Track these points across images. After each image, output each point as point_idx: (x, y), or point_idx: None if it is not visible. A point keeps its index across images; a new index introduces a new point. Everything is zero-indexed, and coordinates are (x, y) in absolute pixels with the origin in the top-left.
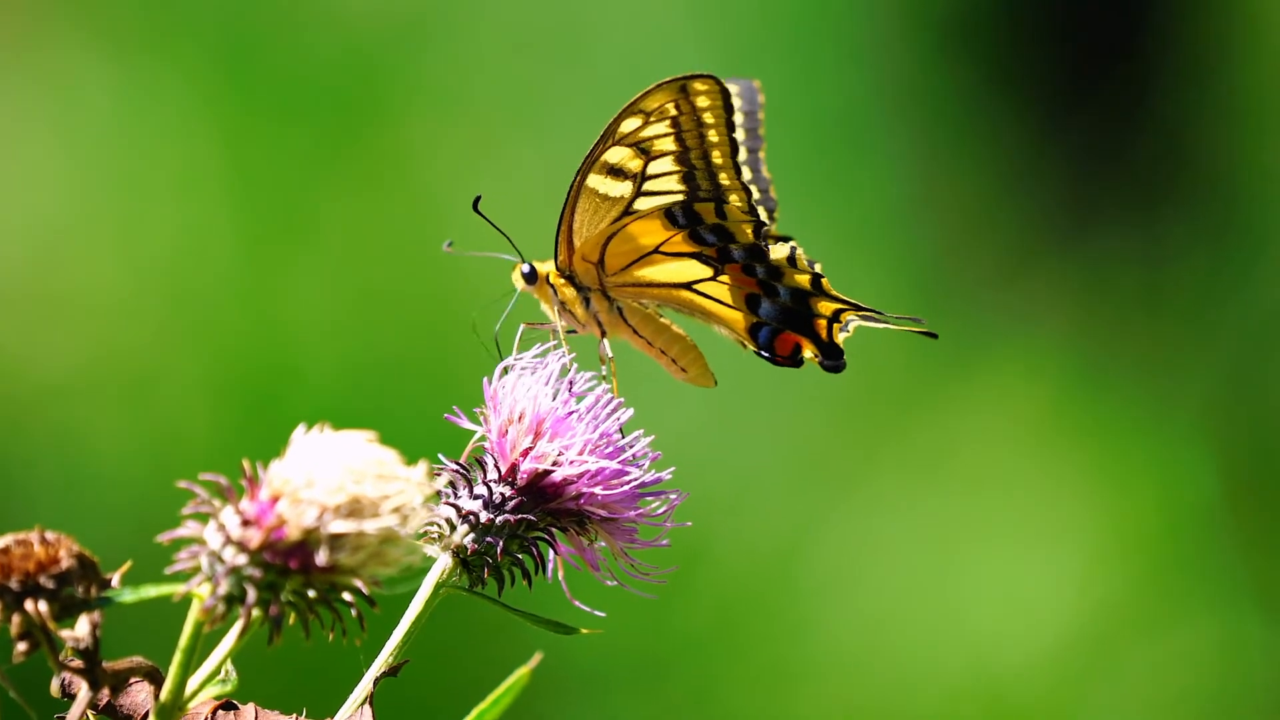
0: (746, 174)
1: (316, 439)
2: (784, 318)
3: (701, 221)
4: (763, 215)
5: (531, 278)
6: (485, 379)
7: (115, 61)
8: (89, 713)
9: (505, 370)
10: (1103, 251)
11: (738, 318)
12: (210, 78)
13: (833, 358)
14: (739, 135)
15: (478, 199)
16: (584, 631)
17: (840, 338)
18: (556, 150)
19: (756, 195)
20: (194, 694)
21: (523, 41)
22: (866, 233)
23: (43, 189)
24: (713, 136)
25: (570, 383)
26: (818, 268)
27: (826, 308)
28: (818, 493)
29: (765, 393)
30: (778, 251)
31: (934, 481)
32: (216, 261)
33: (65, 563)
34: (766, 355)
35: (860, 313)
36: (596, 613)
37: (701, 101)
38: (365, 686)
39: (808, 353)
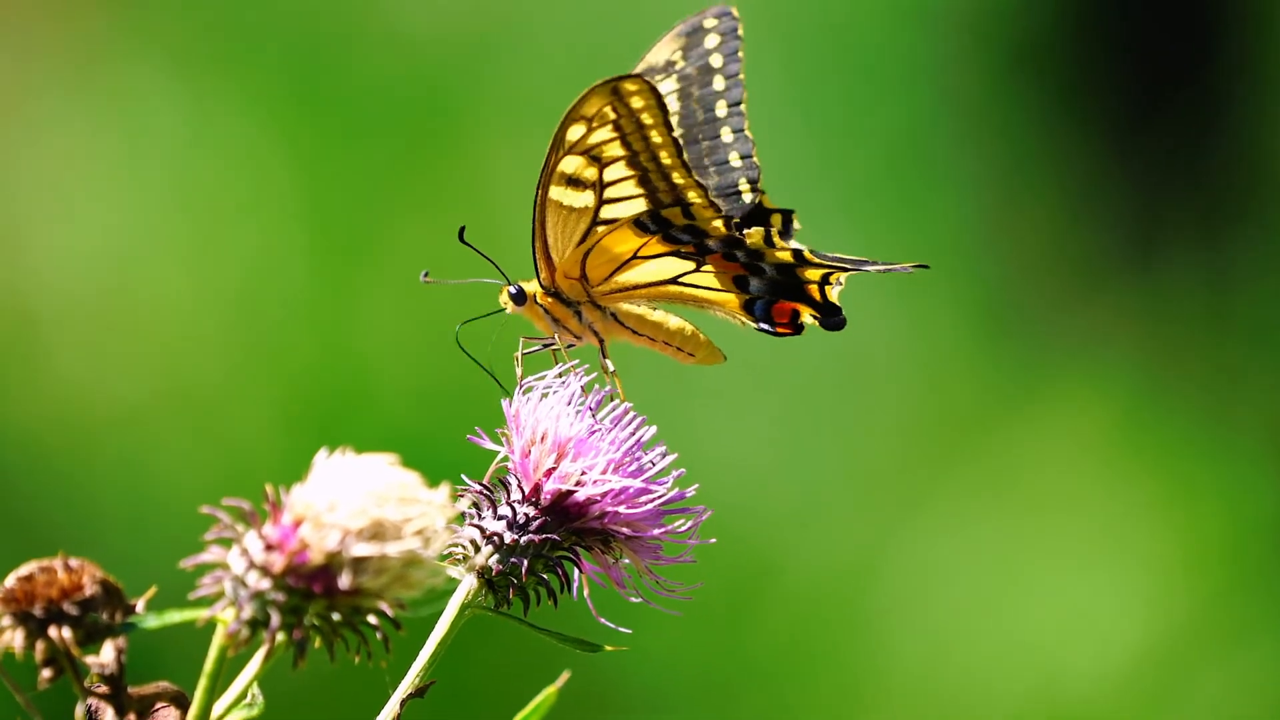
0: (728, 135)
1: (339, 463)
2: (775, 289)
3: (672, 225)
4: (745, 191)
5: (520, 299)
6: (505, 400)
7: (184, 82)
8: None
9: (526, 390)
10: (1170, 275)
11: (730, 299)
12: (279, 98)
13: (832, 315)
14: (679, 132)
15: (462, 229)
16: (609, 649)
17: (834, 294)
18: None
19: (738, 162)
20: (220, 718)
21: (591, 61)
22: (934, 254)
23: (111, 211)
24: (655, 137)
25: (593, 407)
26: (772, 217)
27: (814, 274)
28: (885, 513)
29: (832, 412)
30: (753, 236)
31: (1001, 503)
32: (286, 285)
33: (89, 589)
34: (767, 328)
35: (848, 270)
36: (621, 629)
37: (636, 102)
38: (392, 708)
39: (806, 317)
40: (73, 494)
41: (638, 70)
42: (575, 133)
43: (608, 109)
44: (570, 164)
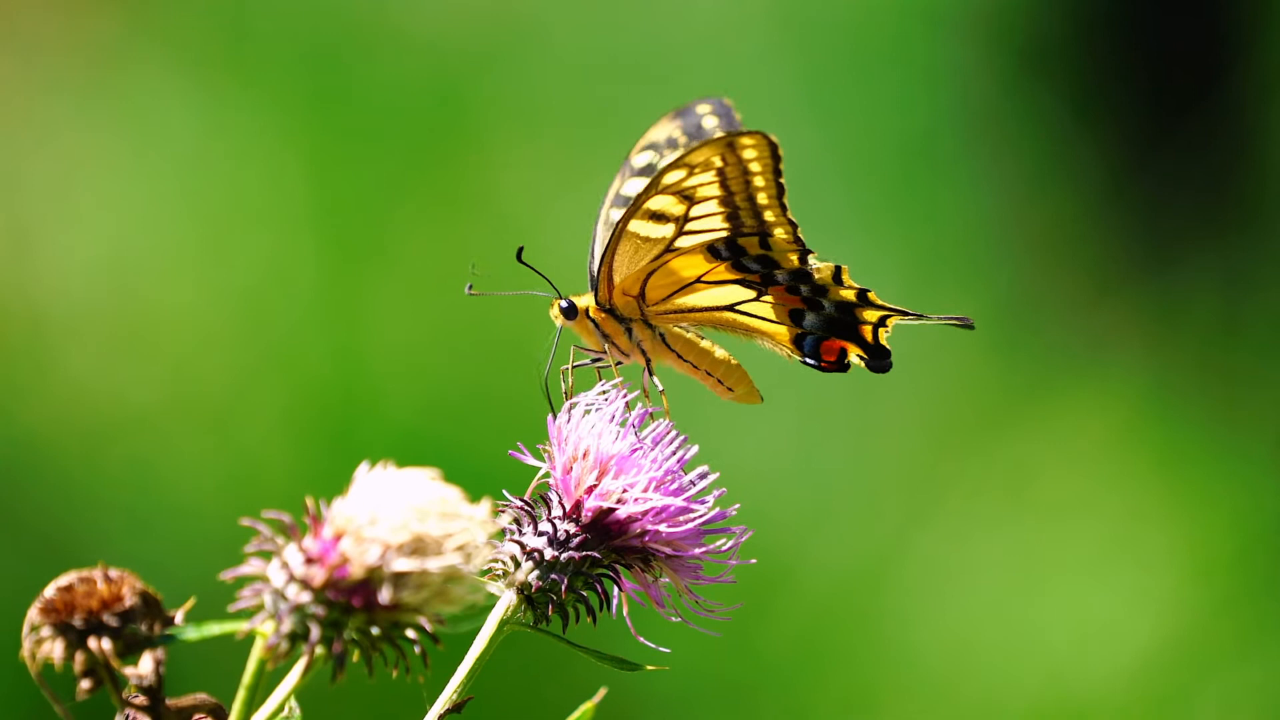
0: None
1: (380, 476)
2: (828, 327)
3: (745, 253)
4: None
5: (571, 313)
6: (550, 416)
7: (196, 85)
8: None
9: (571, 407)
10: (1182, 280)
11: (782, 331)
12: (291, 102)
13: (880, 358)
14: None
15: (520, 250)
16: (649, 668)
17: (884, 338)
18: None
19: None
20: None
21: (604, 64)
22: (947, 258)
23: (121, 214)
24: (759, 182)
25: (635, 425)
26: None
27: (872, 315)
28: (898, 516)
29: (845, 416)
30: (821, 272)
31: (1011, 506)
32: (297, 291)
33: (129, 600)
34: (813, 363)
35: (906, 317)
36: (662, 649)
37: (748, 154)
38: None
39: (853, 356)
40: (81, 497)
41: (639, 147)
42: (674, 177)
43: (715, 158)
44: (659, 202)
